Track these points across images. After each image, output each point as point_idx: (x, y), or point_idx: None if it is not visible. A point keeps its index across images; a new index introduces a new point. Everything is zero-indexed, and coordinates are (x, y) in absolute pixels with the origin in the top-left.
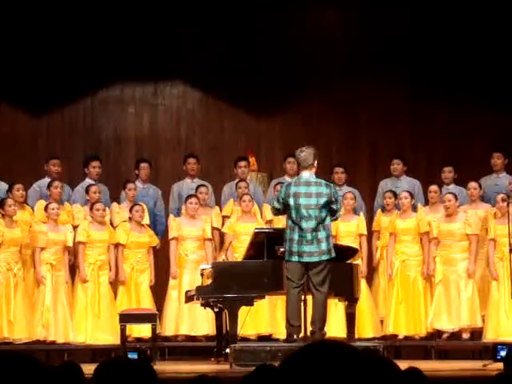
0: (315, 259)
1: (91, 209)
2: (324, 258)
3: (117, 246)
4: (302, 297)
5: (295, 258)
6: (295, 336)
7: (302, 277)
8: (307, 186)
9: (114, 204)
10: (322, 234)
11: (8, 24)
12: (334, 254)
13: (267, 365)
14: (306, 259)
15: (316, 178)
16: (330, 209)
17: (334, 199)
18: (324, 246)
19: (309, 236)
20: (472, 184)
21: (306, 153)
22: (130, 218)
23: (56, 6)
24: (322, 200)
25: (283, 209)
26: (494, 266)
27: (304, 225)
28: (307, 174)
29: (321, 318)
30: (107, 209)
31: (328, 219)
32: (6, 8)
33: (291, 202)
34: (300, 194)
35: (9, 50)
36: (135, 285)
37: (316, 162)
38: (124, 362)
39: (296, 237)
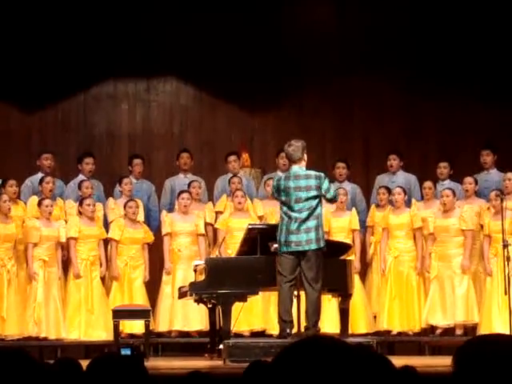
0: (303, 248)
1: (81, 204)
2: (313, 247)
3: (109, 241)
4: (295, 292)
5: (284, 248)
6: (288, 331)
7: (294, 271)
8: (296, 180)
9: (110, 199)
10: (311, 224)
11: (2, 20)
12: (322, 244)
13: (262, 361)
14: (293, 248)
15: (306, 171)
16: (324, 198)
17: (325, 189)
18: (313, 235)
19: (297, 226)
20: (468, 179)
21: (294, 147)
22: (125, 214)
23: (49, 3)
24: (312, 193)
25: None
26: (488, 262)
27: (293, 216)
28: (296, 168)
29: (315, 314)
30: (101, 204)
31: (319, 209)
32: (0, 5)
33: (282, 196)
34: (290, 188)
35: (2, 47)
36: (128, 281)
37: (305, 154)
38: (115, 358)
39: (285, 227)
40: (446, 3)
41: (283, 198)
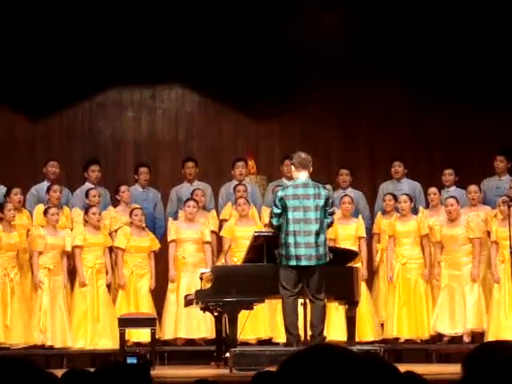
0: (313, 263)
1: (86, 212)
2: (321, 262)
3: (114, 249)
4: (301, 300)
5: (293, 262)
6: (295, 345)
7: (298, 284)
8: (305, 188)
9: (110, 208)
10: (320, 238)
11: (7, 27)
12: (328, 259)
13: (268, 371)
14: (304, 263)
15: (313, 181)
16: (325, 211)
17: (330, 202)
18: (321, 249)
19: (307, 239)
20: (473, 188)
21: (306, 155)
22: (131, 222)
23: (54, 9)
24: (321, 202)
25: (281, 213)
26: (496, 269)
27: (302, 227)
28: (305, 177)
29: (320, 323)
30: (107, 212)
31: (325, 223)
32: (5, 12)
33: (289, 203)
34: (298, 196)
35: (7, 54)
36: (134, 289)
37: (311, 166)
38: (119, 367)
39: (293, 240)
40: (454, 11)
41: (290, 206)
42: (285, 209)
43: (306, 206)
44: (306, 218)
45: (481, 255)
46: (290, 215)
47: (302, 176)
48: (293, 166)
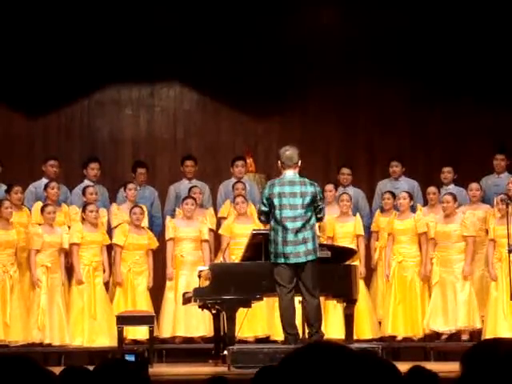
0: (302, 260)
1: (84, 210)
2: (310, 258)
3: (113, 247)
4: (298, 298)
5: (281, 260)
6: (293, 345)
7: (293, 280)
8: (291, 186)
9: (113, 205)
10: (307, 234)
11: (5, 26)
12: (318, 254)
13: (270, 366)
14: (292, 260)
15: (300, 178)
16: (314, 207)
17: (318, 198)
18: (310, 245)
19: (294, 236)
20: (474, 185)
21: (292, 151)
22: (130, 220)
23: (52, 7)
24: (307, 199)
25: (270, 210)
26: (493, 267)
27: (289, 225)
28: (291, 174)
29: (317, 321)
30: (105, 210)
31: (313, 219)
32: (3, 10)
33: (276, 202)
34: (285, 193)
35: (5, 52)
36: (132, 287)
37: (300, 161)
38: (118, 364)
39: (280, 238)
40: (452, 9)
41: (277, 204)
42: (272, 207)
43: (292, 204)
44: (293, 216)
45: (477, 253)
46: (277, 213)
47: (289, 173)
48: (279, 163)
